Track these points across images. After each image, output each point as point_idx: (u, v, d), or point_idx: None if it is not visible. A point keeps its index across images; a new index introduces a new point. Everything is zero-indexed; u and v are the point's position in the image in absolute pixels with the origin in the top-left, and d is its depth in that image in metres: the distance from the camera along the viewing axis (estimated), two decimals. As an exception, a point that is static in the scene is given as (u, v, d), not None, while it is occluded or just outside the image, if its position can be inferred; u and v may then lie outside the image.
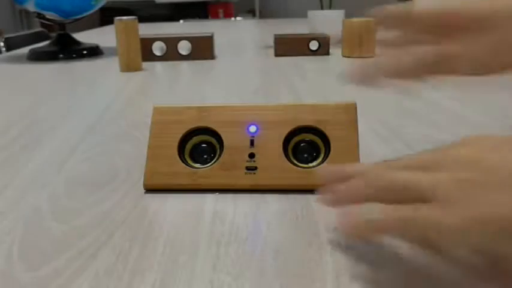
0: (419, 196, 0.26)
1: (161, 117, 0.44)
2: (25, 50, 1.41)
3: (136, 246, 0.34)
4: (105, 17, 3.45)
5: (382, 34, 0.38)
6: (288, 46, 1.21)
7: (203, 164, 0.43)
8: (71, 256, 0.33)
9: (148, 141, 0.44)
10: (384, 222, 0.27)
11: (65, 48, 1.31)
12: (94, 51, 1.33)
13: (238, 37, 1.81)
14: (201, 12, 3.83)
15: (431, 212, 0.25)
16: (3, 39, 1.68)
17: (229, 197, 0.41)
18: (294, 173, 0.41)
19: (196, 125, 0.43)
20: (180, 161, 0.43)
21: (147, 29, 1.88)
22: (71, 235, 0.36)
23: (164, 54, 1.18)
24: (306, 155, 0.43)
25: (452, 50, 0.34)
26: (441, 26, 0.35)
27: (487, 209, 0.24)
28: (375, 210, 0.27)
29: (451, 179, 0.26)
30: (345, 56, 1.16)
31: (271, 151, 0.42)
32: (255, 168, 0.42)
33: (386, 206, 0.27)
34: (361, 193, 0.29)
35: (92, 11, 1.32)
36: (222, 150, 0.42)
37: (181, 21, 2.89)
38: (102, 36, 1.75)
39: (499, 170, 0.25)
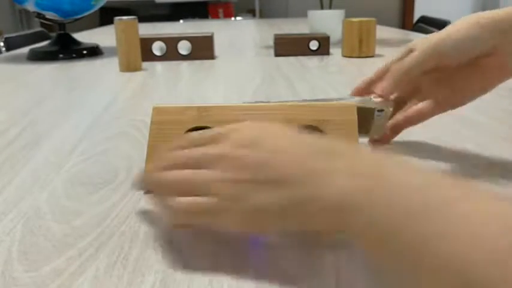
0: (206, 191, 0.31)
1: (161, 117, 0.44)
2: (25, 50, 1.41)
3: (137, 246, 0.34)
4: (105, 17, 3.45)
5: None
6: (288, 46, 1.21)
7: (203, 164, 0.43)
8: (71, 256, 0.33)
9: (148, 141, 0.44)
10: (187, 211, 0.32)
11: (64, 48, 1.31)
12: (94, 51, 1.33)
13: (238, 37, 1.81)
14: (201, 12, 3.83)
15: (216, 205, 0.31)
16: (3, 39, 1.68)
17: (229, 197, 0.41)
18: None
19: (196, 125, 0.43)
20: (180, 161, 0.43)
21: (147, 29, 1.88)
22: (71, 235, 0.36)
23: (164, 54, 1.18)
24: (306, 155, 0.43)
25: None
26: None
27: (258, 202, 0.30)
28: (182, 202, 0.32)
29: (226, 179, 0.31)
30: (345, 56, 1.16)
31: (271, 151, 0.42)
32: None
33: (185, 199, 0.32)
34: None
35: (91, 11, 1.33)
36: (222, 150, 0.42)
37: (181, 21, 2.89)
38: (102, 36, 1.75)
39: (267, 168, 0.30)
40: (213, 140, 0.33)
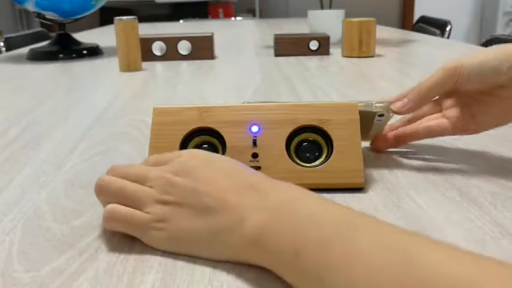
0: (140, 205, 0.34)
1: (161, 118, 0.44)
2: (25, 50, 1.41)
3: (136, 246, 0.34)
4: (105, 17, 3.44)
5: None
6: (288, 46, 1.21)
7: (204, 164, 0.43)
8: (71, 256, 0.33)
9: (150, 142, 0.43)
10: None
11: (64, 48, 1.31)
12: (94, 51, 1.33)
13: (238, 37, 1.81)
14: (201, 12, 3.83)
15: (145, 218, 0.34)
16: (3, 39, 1.68)
17: (229, 197, 0.41)
18: (297, 173, 0.41)
19: (197, 126, 0.43)
20: (181, 160, 0.42)
21: (147, 29, 1.88)
22: (71, 235, 0.36)
23: (164, 54, 1.18)
24: (308, 155, 0.42)
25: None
26: None
27: (182, 226, 0.33)
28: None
29: (158, 199, 0.34)
30: (345, 56, 1.16)
31: (274, 151, 0.42)
32: (259, 168, 0.42)
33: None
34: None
35: (91, 11, 1.32)
36: (225, 150, 0.42)
37: (181, 21, 2.89)
38: (102, 36, 1.75)
39: (193, 196, 0.33)
40: (161, 163, 0.36)
